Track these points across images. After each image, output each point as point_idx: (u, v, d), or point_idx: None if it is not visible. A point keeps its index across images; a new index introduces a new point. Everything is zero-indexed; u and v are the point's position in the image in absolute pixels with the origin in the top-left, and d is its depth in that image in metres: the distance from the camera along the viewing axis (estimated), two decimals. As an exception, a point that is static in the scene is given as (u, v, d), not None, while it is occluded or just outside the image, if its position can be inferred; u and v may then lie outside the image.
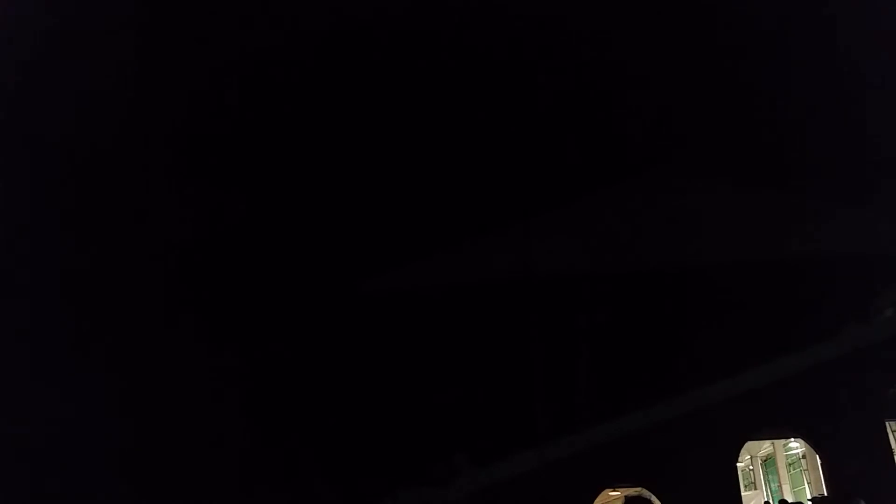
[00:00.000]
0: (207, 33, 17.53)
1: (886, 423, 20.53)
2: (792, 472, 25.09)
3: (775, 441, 24.39)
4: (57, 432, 18.04)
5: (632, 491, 20.23)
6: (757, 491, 26.52)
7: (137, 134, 18.17)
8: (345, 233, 19.73)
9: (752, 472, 27.37)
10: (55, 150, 17.99)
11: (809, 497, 20.81)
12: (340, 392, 19.43)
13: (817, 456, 21.24)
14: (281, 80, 18.43)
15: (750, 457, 26.58)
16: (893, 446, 20.22)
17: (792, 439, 23.35)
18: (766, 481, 26.60)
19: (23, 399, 18.13)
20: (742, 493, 22.42)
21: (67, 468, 18.03)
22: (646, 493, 20.46)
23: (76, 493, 18.38)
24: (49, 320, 18.79)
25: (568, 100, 19.39)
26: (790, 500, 18.70)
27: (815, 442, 21.09)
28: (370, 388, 19.48)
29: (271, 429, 19.32)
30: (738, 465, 22.68)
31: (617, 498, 21.29)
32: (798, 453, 24.09)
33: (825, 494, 19.10)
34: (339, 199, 19.51)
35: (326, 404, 19.27)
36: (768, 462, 26.48)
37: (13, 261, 18.12)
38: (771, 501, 20.80)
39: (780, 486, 25.29)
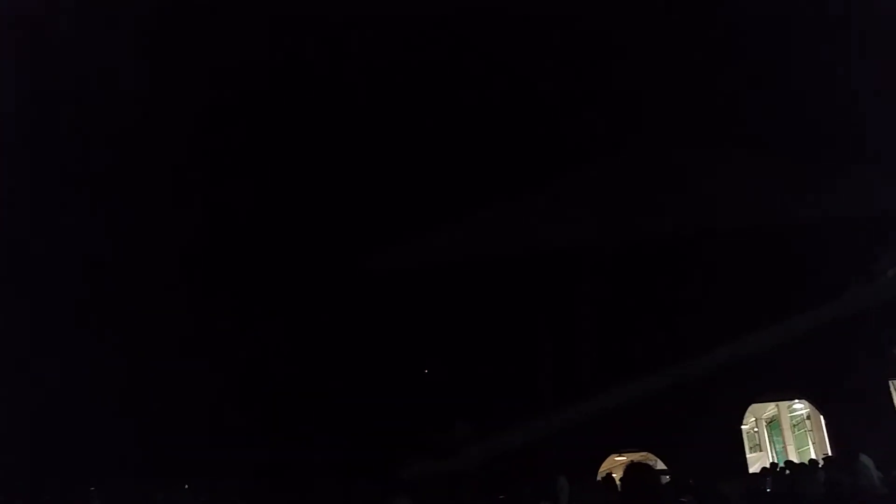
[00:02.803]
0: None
1: (889, 383, 20.65)
2: (796, 433, 25.22)
3: (780, 403, 24.51)
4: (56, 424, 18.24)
5: (637, 456, 20.39)
6: (762, 453, 26.67)
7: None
8: (345, 208, 19.72)
9: (756, 435, 27.51)
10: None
11: (814, 457, 20.95)
12: (346, 366, 19.55)
13: (821, 417, 21.40)
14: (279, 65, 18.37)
15: (755, 419, 26.71)
16: (896, 405, 20.36)
17: (796, 401, 23.48)
18: (771, 443, 26.73)
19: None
20: (747, 456, 22.60)
21: (64, 461, 18.25)
22: (651, 457, 20.62)
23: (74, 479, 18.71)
24: (54, 308, 18.89)
25: (561, 72, 19.30)
26: (795, 461, 18.80)
27: (819, 403, 21.24)
28: (380, 363, 19.61)
29: (277, 403, 19.48)
30: (743, 427, 22.84)
31: (622, 463, 21.44)
32: (802, 414, 24.21)
33: (829, 454, 19.24)
34: (337, 174, 19.48)
35: (332, 378, 19.40)
36: (773, 424, 26.60)
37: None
38: (776, 462, 20.93)
39: (784, 448, 25.42)
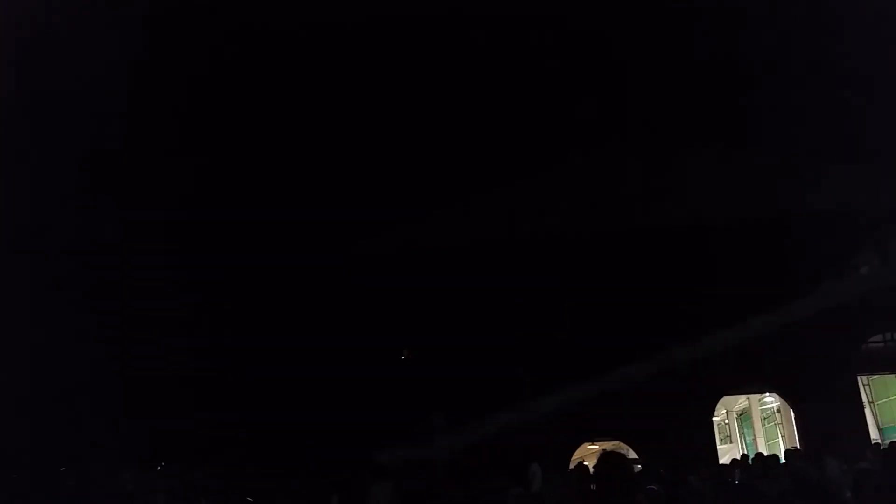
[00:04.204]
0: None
1: (857, 378, 21.00)
2: (767, 426, 25.59)
3: (751, 396, 24.85)
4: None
5: (610, 445, 20.60)
6: (732, 444, 27.06)
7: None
8: (328, 194, 19.66)
9: (727, 426, 27.91)
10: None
11: (784, 450, 21.28)
12: (322, 352, 19.56)
13: (791, 410, 21.71)
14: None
15: (726, 411, 27.09)
16: (864, 400, 20.70)
17: (767, 394, 23.81)
18: (742, 435, 27.14)
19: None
20: (718, 447, 22.91)
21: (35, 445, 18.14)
22: (623, 446, 20.85)
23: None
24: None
25: (549, 60, 19.30)
26: (765, 454, 19.07)
27: (789, 397, 21.53)
28: (356, 349, 19.62)
29: (254, 388, 19.47)
30: (714, 419, 23.14)
31: (595, 451, 21.66)
32: (773, 408, 24.57)
33: (798, 447, 19.54)
34: (322, 162, 19.42)
35: (307, 364, 19.40)
36: (744, 416, 26.98)
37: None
38: (747, 454, 21.22)
39: (755, 440, 25.81)
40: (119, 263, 19.21)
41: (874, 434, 21.70)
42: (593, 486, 8.71)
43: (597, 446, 21.95)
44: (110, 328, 19.08)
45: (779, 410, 23.76)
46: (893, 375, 22.79)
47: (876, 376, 23.39)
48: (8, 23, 13.70)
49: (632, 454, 20.38)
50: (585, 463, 17.41)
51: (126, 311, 18.89)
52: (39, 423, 17.54)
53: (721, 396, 22.27)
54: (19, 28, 14.12)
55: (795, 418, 21.36)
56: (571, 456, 20.75)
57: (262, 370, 19.53)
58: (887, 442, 17.18)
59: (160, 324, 19.04)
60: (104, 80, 15.05)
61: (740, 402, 26.11)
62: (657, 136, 19.25)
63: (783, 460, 13.48)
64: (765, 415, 25.76)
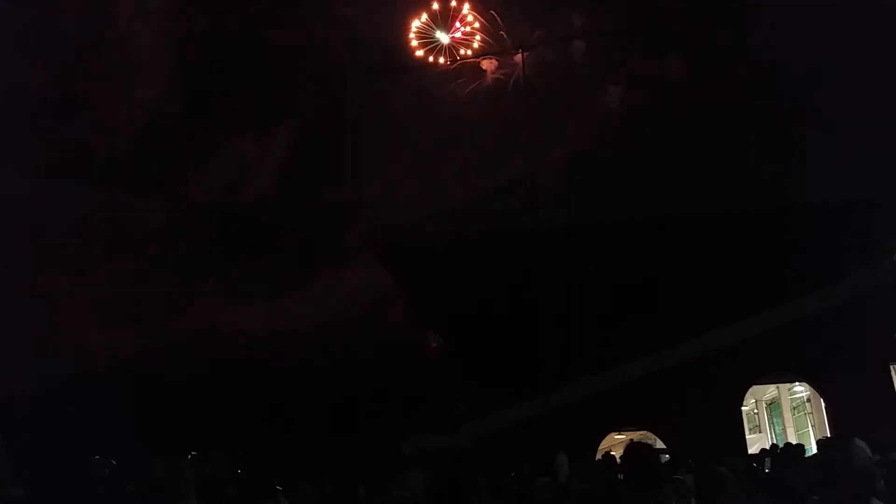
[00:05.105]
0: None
1: (889, 366, 20.71)
2: (796, 415, 25.29)
3: (780, 385, 24.56)
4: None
5: (637, 435, 20.52)
6: (761, 434, 26.77)
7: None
8: (344, 186, 19.80)
9: (756, 416, 27.58)
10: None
11: (814, 439, 21.06)
12: (348, 344, 19.64)
13: (821, 399, 21.47)
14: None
15: (755, 401, 26.77)
16: (896, 388, 20.41)
17: (797, 383, 23.53)
18: (771, 424, 26.81)
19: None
20: (747, 437, 22.70)
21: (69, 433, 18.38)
22: (650, 436, 20.74)
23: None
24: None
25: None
26: (794, 443, 18.87)
27: (820, 385, 21.29)
28: (383, 340, 19.69)
29: (282, 378, 19.59)
30: (743, 408, 22.93)
31: (622, 441, 21.59)
32: (803, 397, 24.27)
33: (829, 436, 19.32)
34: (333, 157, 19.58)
35: (334, 355, 19.50)
36: (773, 406, 26.67)
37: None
38: (776, 444, 20.97)
39: (784, 430, 25.51)
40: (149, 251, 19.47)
41: (907, 423, 21.36)
42: (620, 476, 8.67)
43: (624, 436, 21.86)
44: (140, 318, 19.31)
45: (809, 400, 23.47)
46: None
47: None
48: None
49: (659, 444, 20.27)
50: (612, 453, 17.37)
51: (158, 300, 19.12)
52: (69, 413, 17.79)
53: (750, 385, 22.07)
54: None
55: (826, 407, 21.11)
56: (598, 446, 20.68)
57: (290, 361, 19.65)
58: (920, 431, 16.90)
59: (188, 311, 19.23)
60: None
61: (770, 391, 25.82)
62: (683, 129, 19.16)
63: (814, 450, 13.32)
64: (794, 404, 25.45)
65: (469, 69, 22.18)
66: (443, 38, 22.12)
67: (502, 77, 21.93)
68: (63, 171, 18.71)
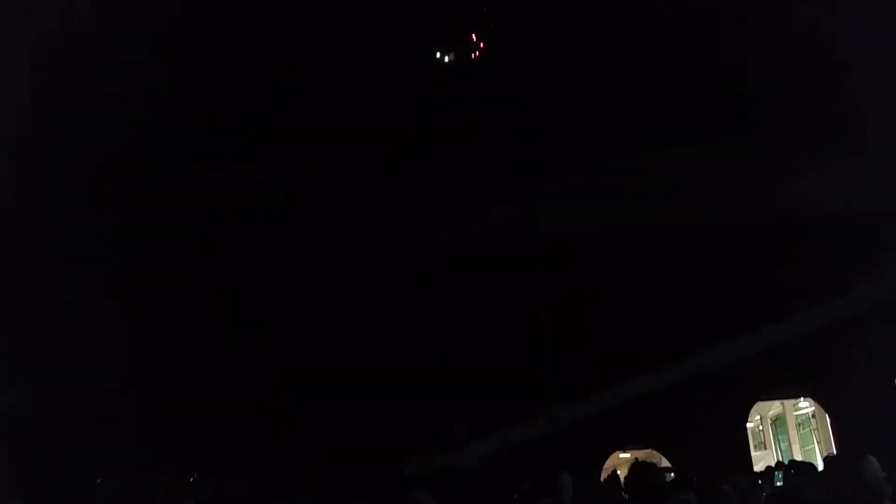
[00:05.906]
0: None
1: (895, 381, 20.56)
2: (802, 431, 25.12)
3: (785, 401, 24.42)
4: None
5: (642, 453, 20.36)
6: (767, 451, 26.60)
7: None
8: (345, 203, 19.76)
9: (761, 433, 27.42)
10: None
11: (819, 456, 20.90)
12: (350, 361, 19.56)
13: (827, 415, 21.31)
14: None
15: (759, 417, 26.62)
16: (903, 404, 20.23)
17: (801, 399, 23.39)
18: (776, 441, 26.65)
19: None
20: (752, 454, 22.53)
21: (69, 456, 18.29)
22: (656, 454, 20.58)
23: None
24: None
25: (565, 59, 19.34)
26: (800, 460, 18.72)
27: (825, 401, 21.14)
28: (383, 358, 19.60)
29: (282, 399, 19.50)
30: (748, 425, 22.76)
31: (627, 460, 21.42)
32: (808, 413, 24.12)
33: (835, 453, 19.16)
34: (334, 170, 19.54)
35: (335, 373, 19.41)
36: (778, 422, 26.50)
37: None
38: (782, 461, 20.83)
39: (789, 446, 25.34)
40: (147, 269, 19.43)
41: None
42: (625, 496, 8.57)
43: (629, 455, 21.69)
44: (140, 335, 19.24)
45: (814, 416, 23.32)
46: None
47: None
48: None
49: (664, 462, 20.11)
50: (618, 472, 17.22)
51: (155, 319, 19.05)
52: (70, 433, 17.70)
53: (755, 402, 21.92)
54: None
55: (831, 423, 20.95)
56: (603, 465, 20.52)
57: (288, 379, 19.56)
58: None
59: (187, 332, 19.16)
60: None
61: (774, 407, 25.69)
62: (682, 138, 19.12)
63: (820, 467, 13.20)
64: (799, 420, 25.31)
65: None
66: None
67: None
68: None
